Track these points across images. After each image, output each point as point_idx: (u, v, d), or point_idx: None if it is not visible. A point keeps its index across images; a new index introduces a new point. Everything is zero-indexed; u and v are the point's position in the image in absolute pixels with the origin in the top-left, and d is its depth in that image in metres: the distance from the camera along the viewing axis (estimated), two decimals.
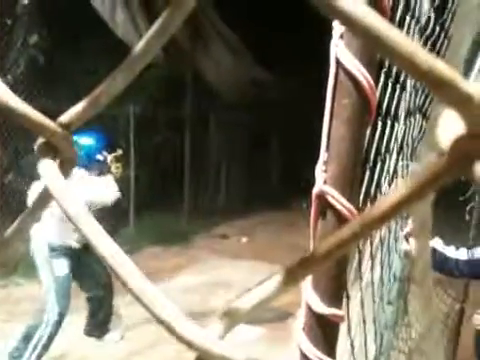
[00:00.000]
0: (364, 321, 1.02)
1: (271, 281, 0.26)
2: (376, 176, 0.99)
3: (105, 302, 3.91)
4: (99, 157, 3.65)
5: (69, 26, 6.33)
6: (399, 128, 1.27)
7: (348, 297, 0.74)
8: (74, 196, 0.28)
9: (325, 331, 0.64)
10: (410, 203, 0.25)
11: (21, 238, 0.34)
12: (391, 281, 1.71)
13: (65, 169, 0.28)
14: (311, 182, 0.71)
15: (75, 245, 3.48)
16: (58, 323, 3.45)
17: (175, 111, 8.15)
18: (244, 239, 7.85)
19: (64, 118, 0.28)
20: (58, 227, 3.36)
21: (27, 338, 3.40)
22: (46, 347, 3.43)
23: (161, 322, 0.24)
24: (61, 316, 3.46)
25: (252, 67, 8.61)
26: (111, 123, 3.83)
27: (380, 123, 1.00)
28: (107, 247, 0.25)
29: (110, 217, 4.39)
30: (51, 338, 3.44)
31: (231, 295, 5.12)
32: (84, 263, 3.62)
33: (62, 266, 3.48)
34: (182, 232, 7.55)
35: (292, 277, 0.25)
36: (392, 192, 0.26)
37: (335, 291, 0.65)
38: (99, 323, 3.99)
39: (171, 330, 0.23)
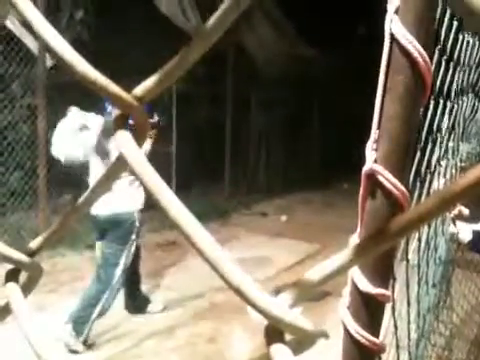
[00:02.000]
0: (408, 302, 1.01)
1: (340, 255, 0.26)
2: (426, 156, 0.96)
3: (137, 273, 4.03)
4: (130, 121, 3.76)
5: (113, 1, 6.39)
6: (451, 107, 1.23)
7: (394, 278, 0.73)
8: (149, 165, 0.29)
9: (370, 310, 0.64)
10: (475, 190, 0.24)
11: (90, 206, 0.35)
12: (436, 263, 1.68)
13: (139, 139, 0.29)
14: (355, 162, 0.70)
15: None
16: (119, 286, 3.64)
17: (216, 88, 8.15)
18: (283, 217, 7.85)
19: (138, 91, 0.29)
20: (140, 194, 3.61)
21: (92, 302, 3.54)
22: (109, 306, 3.59)
23: (237, 291, 0.24)
24: (120, 283, 3.65)
25: (295, 42, 8.48)
26: (153, 100, 3.91)
27: (432, 102, 0.97)
28: (185, 217, 0.26)
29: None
30: (115, 298, 3.62)
31: (270, 272, 5.16)
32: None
33: (134, 237, 3.67)
34: (221, 209, 7.61)
35: (362, 252, 0.25)
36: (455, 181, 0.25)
37: (382, 271, 0.65)
38: (137, 295, 4.12)
39: (246, 299, 0.24)
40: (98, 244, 4.01)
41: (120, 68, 4.51)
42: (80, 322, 3.48)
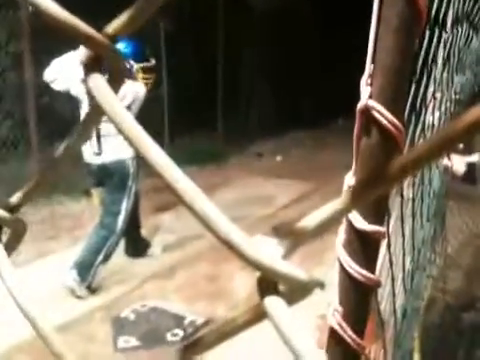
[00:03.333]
0: (403, 236, 1.02)
1: (332, 204, 0.25)
2: (421, 89, 0.94)
3: (137, 218, 4.08)
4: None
5: None
6: (447, 38, 1.19)
7: (388, 214, 0.73)
8: (126, 111, 0.27)
9: (366, 247, 0.64)
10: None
11: (71, 156, 0.33)
12: (430, 197, 1.69)
13: (115, 83, 0.27)
14: (350, 97, 0.69)
15: None
16: (123, 232, 3.71)
17: (206, 27, 7.92)
18: (278, 157, 7.87)
19: (109, 29, 0.27)
20: None
21: (97, 249, 3.60)
22: (113, 253, 3.67)
23: (225, 242, 0.23)
24: (123, 230, 3.71)
25: None
26: (141, 39, 3.81)
27: (427, 32, 0.94)
28: (167, 167, 0.24)
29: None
30: (118, 245, 3.71)
31: (267, 212, 5.22)
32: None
33: (135, 184, 3.69)
34: (217, 151, 7.60)
35: (358, 197, 0.24)
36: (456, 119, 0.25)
37: (377, 208, 0.64)
38: (137, 239, 4.18)
39: (236, 250, 0.23)
40: (94, 191, 4.03)
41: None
42: (84, 268, 3.55)
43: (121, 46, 3.54)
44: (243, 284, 3.56)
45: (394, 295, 1.01)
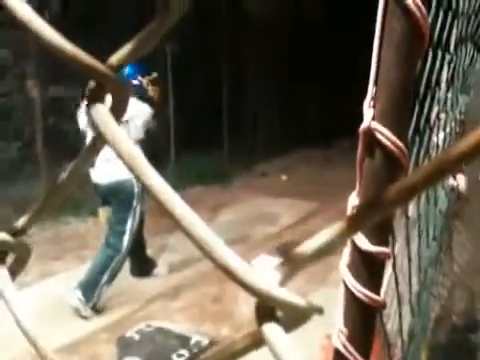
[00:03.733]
0: (409, 257, 1.02)
1: (333, 228, 0.25)
2: (425, 110, 0.94)
3: (142, 238, 4.09)
4: (135, 82, 3.81)
5: None
6: (450, 59, 1.20)
7: (393, 234, 0.73)
8: (127, 140, 0.28)
9: (371, 269, 0.64)
10: None
11: (75, 182, 0.34)
12: (436, 217, 1.68)
13: (117, 113, 0.28)
14: (357, 118, 0.69)
15: None
16: (128, 252, 3.71)
17: (211, 48, 8.00)
18: (284, 177, 7.86)
19: (114, 59, 0.27)
20: None
21: (102, 269, 3.60)
22: (118, 273, 3.67)
23: (222, 267, 0.24)
24: (129, 249, 3.71)
25: None
26: (148, 62, 3.92)
27: (431, 53, 0.94)
28: (165, 192, 0.25)
29: (151, 157, 4.43)
30: (122, 265, 3.70)
31: (272, 231, 5.20)
32: None
33: (143, 205, 3.73)
34: (222, 171, 7.60)
35: (360, 221, 0.24)
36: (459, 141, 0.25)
37: (382, 229, 0.64)
38: (143, 259, 4.17)
39: (232, 276, 0.23)
40: (101, 210, 4.05)
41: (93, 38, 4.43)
42: (89, 288, 3.54)
43: (128, 67, 3.65)
44: (248, 305, 3.53)
45: (400, 316, 1.00)
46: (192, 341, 3.22)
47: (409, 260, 1.04)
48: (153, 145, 4.12)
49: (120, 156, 0.26)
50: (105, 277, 3.58)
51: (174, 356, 3.07)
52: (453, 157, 0.23)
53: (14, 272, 0.36)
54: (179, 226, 0.24)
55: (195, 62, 7.93)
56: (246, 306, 3.56)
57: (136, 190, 3.69)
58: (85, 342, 3.21)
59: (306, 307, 0.24)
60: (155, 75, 4.00)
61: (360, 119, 0.70)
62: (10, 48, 5.75)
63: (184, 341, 3.22)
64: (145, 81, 3.88)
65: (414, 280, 1.27)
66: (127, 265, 4.15)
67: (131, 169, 0.26)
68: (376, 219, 0.27)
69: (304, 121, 9.97)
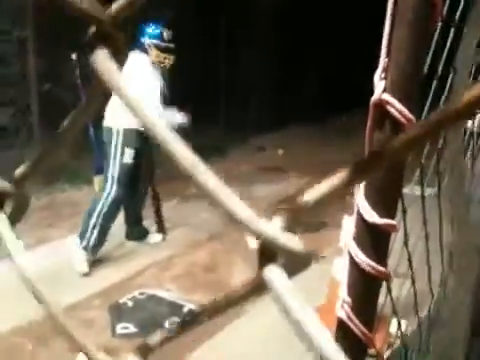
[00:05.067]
0: (427, 237, 1.01)
1: (335, 177, 0.25)
2: (446, 89, 0.93)
3: (143, 197, 4.16)
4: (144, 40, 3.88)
5: None
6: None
7: (404, 210, 0.73)
8: (129, 86, 0.28)
9: (376, 240, 0.64)
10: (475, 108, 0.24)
11: (74, 134, 0.34)
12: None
13: (118, 58, 0.28)
14: (355, 94, 0.69)
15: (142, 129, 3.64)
16: (116, 202, 3.76)
17: (207, 20, 7.87)
18: (280, 151, 7.86)
19: (112, 9, 0.28)
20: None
21: (90, 211, 3.75)
22: (107, 221, 3.73)
23: (229, 215, 0.24)
24: (118, 199, 3.77)
25: None
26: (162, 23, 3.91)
27: (452, 30, 0.92)
28: (169, 137, 0.25)
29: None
30: (111, 214, 3.75)
31: (268, 204, 5.21)
32: (144, 152, 3.88)
33: (129, 155, 3.75)
34: (219, 145, 7.58)
35: (358, 173, 0.25)
36: (457, 97, 0.25)
37: (389, 201, 0.65)
38: (137, 221, 4.22)
39: (239, 220, 0.24)
40: (96, 179, 4.06)
41: None
42: (82, 233, 3.70)
43: (148, 28, 3.86)
44: (240, 274, 3.57)
45: (416, 293, 1.00)
46: (184, 309, 3.27)
47: (427, 240, 1.03)
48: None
49: (121, 100, 0.26)
50: (92, 220, 3.69)
51: (166, 323, 3.11)
52: (452, 112, 0.23)
53: (13, 221, 0.36)
54: (185, 172, 0.24)
55: (192, 37, 7.82)
56: (238, 275, 3.60)
57: (114, 142, 3.74)
58: (78, 308, 3.24)
59: (306, 252, 0.24)
60: (167, 44, 3.96)
61: (359, 97, 0.69)
62: (7, 14, 5.62)
63: (177, 309, 3.27)
64: (148, 42, 3.88)
65: (437, 264, 1.25)
66: (122, 232, 4.19)
67: (133, 113, 0.26)
68: (375, 171, 0.27)
69: (302, 96, 9.90)
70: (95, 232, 3.69)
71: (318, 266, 3.25)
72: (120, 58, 0.29)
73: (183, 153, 0.25)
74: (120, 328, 3.06)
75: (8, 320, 2.93)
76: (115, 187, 3.76)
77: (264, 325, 2.89)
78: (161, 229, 4.33)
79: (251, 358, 2.73)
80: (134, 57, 3.75)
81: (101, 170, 3.96)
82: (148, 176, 4.14)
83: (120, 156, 3.76)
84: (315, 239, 4.15)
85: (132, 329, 3.06)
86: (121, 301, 3.35)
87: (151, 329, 3.02)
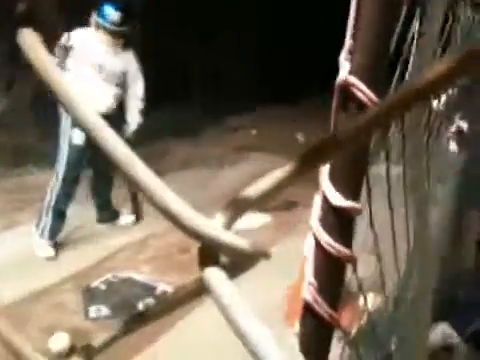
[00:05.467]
0: (392, 218, 1.01)
1: (280, 170, 0.24)
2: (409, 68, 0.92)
3: (111, 180, 4.11)
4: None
5: None
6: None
7: (369, 190, 0.73)
8: (57, 70, 0.26)
9: (341, 222, 0.64)
10: (436, 88, 0.23)
11: None
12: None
13: (49, 39, 0.26)
14: (327, 75, 0.68)
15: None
16: (66, 183, 3.71)
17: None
18: (253, 131, 7.85)
19: None
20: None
21: (45, 195, 3.74)
22: (59, 203, 3.70)
23: (166, 213, 0.23)
24: (68, 181, 3.71)
25: None
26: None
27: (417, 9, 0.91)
28: (98, 126, 0.23)
29: (120, 110, 4.33)
30: (63, 196, 3.71)
31: (240, 183, 5.22)
32: None
33: (78, 136, 3.63)
34: (192, 125, 7.51)
35: (306, 165, 0.24)
36: (416, 78, 0.24)
37: (353, 183, 0.64)
38: (105, 204, 4.19)
39: (176, 221, 0.23)
40: None
41: None
42: (38, 218, 3.71)
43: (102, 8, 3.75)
44: None
45: (382, 271, 1.01)
46: (158, 290, 3.27)
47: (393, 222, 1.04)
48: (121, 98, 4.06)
49: (50, 87, 0.24)
50: (46, 203, 3.69)
51: (140, 304, 3.11)
52: (414, 90, 0.23)
53: None
54: (117, 165, 0.23)
55: (166, 17, 7.68)
56: None
57: (67, 121, 3.67)
58: (50, 292, 3.21)
59: (251, 251, 0.22)
60: (118, 27, 3.83)
61: (332, 76, 0.69)
62: None
63: (150, 290, 3.26)
64: (95, 21, 3.80)
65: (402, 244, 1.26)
66: (93, 215, 4.14)
67: (61, 101, 0.25)
68: (323, 161, 0.26)
69: (275, 76, 9.86)
70: (50, 215, 3.68)
71: (292, 243, 3.29)
72: (51, 38, 0.27)
73: (121, 151, 0.23)
74: (93, 311, 3.04)
75: None
76: (64, 169, 3.71)
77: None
78: (136, 212, 4.28)
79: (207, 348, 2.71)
80: (85, 34, 3.74)
81: None
82: None
83: (69, 137, 3.69)
84: (285, 218, 4.19)
85: (105, 312, 3.05)
86: (94, 284, 3.33)
87: (124, 311, 3.01)
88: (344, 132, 0.25)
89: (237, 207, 0.24)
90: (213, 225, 0.23)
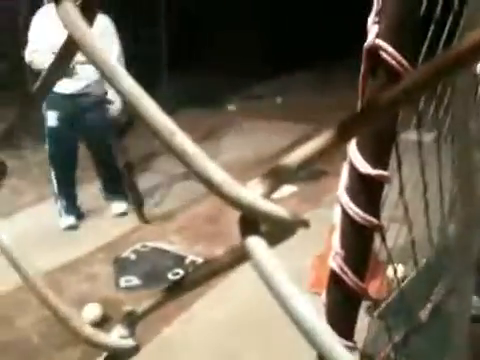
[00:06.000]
0: (426, 187, 0.99)
1: (318, 139, 0.23)
2: (445, 33, 0.88)
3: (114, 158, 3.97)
4: None
5: None
6: None
7: (399, 159, 0.71)
8: (103, 47, 0.25)
9: (368, 191, 0.63)
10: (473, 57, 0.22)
11: (46, 94, 0.32)
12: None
13: (88, 14, 0.26)
14: (354, 39, 0.66)
15: (67, 92, 3.50)
16: (52, 160, 3.77)
17: None
18: (278, 99, 7.76)
19: None
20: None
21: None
22: (56, 172, 3.78)
23: (207, 183, 0.22)
24: (52, 157, 3.77)
25: None
26: None
27: None
28: (148, 106, 0.23)
29: (142, 77, 4.29)
30: (61, 175, 3.79)
31: (268, 153, 5.20)
32: (85, 114, 3.69)
33: (52, 117, 3.63)
34: (216, 93, 7.47)
35: (342, 134, 0.23)
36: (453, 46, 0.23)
37: (382, 152, 0.63)
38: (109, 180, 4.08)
39: (215, 188, 0.22)
40: None
41: None
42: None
43: None
44: None
45: (413, 241, 1.00)
46: (187, 260, 3.32)
47: (426, 190, 1.02)
48: (143, 65, 3.99)
49: (90, 60, 0.24)
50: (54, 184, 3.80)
51: (169, 275, 3.16)
52: (450, 59, 0.22)
53: None
54: (157, 136, 0.23)
55: None
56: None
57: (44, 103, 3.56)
58: (82, 263, 3.29)
59: (290, 220, 0.23)
60: None
61: (360, 40, 0.66)
62: None
63: (179, 260, 3.32)
64: None
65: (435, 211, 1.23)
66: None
67: (103, 74, 0.24)
68: (363, 129, 0.25)
69: (299, 42, 9.67)
70: (55, 184, 3.79)
71: (320, 212, 3.28)
72: (92, 14, 0.27)
73: (159, 120, 0.23)
74: (124, 281, 3.12)
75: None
76: (48, 151, 3.78)
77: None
78: (136, 201, 4.00)
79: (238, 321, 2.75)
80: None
81: None
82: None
83: (45, 120, 3.67)
84: (315, 187, 4.16)
85: (136, 282, 3.11)
86: (124, 255, 3.40)
87: (154, 281, 3.08)
88: (383, 99, 0.24)
89: (276, 176, 0.23)
90: (254, 194, 0.23)
